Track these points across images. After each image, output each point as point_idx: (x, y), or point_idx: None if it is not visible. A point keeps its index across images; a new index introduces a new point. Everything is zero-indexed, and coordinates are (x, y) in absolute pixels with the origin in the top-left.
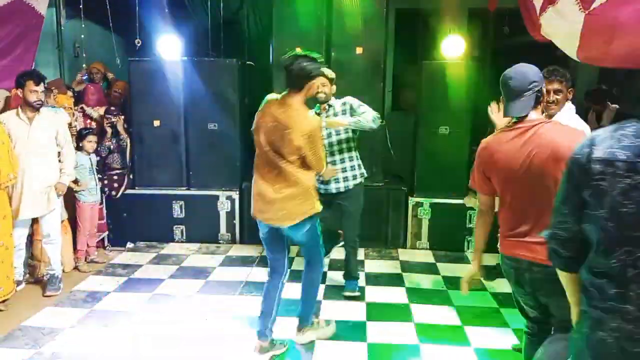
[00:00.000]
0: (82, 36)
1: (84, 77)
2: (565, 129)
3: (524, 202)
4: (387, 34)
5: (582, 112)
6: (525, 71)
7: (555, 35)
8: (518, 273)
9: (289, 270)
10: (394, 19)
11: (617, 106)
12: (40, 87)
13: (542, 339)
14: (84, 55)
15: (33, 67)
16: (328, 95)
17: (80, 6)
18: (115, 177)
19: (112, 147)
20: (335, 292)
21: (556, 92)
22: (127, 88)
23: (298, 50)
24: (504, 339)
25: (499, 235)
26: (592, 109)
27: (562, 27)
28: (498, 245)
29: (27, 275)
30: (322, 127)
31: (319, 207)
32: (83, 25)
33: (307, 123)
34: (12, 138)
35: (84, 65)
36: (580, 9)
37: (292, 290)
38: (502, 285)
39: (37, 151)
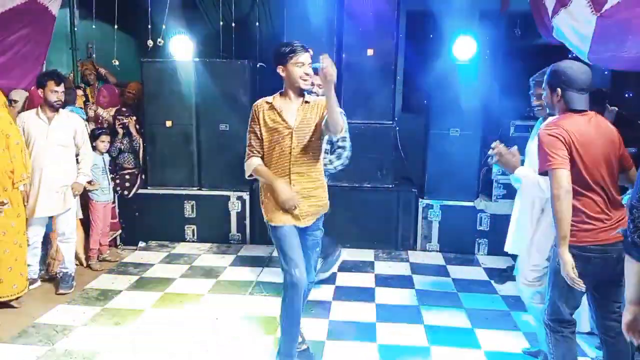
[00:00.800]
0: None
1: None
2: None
3: (606, 183)
4: (397, 36)
5: None
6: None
7: (567, 37)
8: (607, 258)
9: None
10: (405, 20)
11: (615, 108)
12: (61, 87)
13: None
14: (94, 55)
15: (44, 67)
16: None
17: (93, 6)
18: (128, 177)
19: (122, 147)
20: (345, 292)
21: (540, 97)
22: (140, 89)
23: None
24: (515, 342)
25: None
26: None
27: (574, 29)
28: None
29: (43, 272)
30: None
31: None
32: (94, 27)
33: None
34: (31, 137)
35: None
36: (592, 11)
37: None
38: (513, 289)
39: (55, 151)
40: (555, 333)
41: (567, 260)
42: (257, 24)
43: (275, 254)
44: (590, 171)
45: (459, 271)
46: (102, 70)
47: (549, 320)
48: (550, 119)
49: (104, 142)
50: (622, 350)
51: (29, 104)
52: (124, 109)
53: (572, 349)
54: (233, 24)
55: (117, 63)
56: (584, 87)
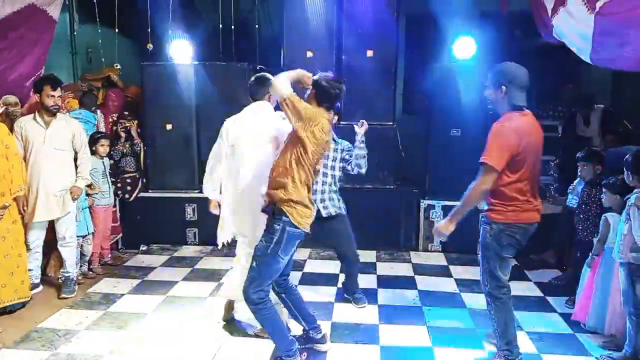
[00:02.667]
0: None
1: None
2: None
3: (536, 175)
4: (397, 37)
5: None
6: None
7: (567, 36)
8: (527, 233)
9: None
10: (405, 21)
11: (602, 106)
12: (57, 92)
13: None
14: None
15: (43, 71)
16: None
17: (96, 10)
18: (129, 181)
19: (125, 151)
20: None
21: None
22: (140, 93)
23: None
24: (518, 342)
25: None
26: (580, 113)
27: (573, 29)
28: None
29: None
30: None
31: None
32: (99, 30)
33: None
34: (29, 142)
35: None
36: (588, 9)
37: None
38: (515, 289)
39: (52, 155)
40: (497, 300)
41: (449, 230)
42: (257, 26)
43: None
44: (525, 164)
45: (461, 271)
46: (115, 77)
47: (490, 290)
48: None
49: (103, 145)
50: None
51: (28, 109)
52: (125, 113)
53: (510, 309)
54: (232, 27)
55: (119, 67)
56: (524, 85)
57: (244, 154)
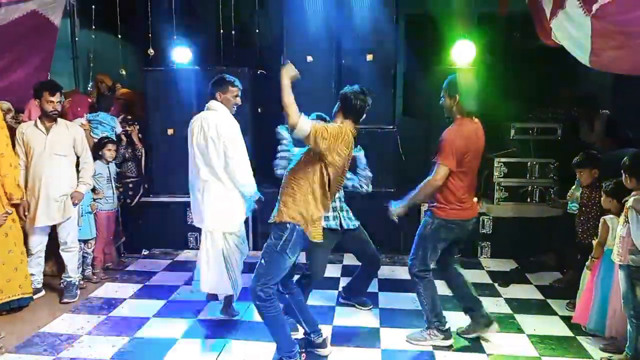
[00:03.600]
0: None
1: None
2: None
3: (475, 177)
4: (397, 40)
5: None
6: None
7: (566, 39)
8: (465, 228)
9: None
10: (404, 25)
11: (607, 112)
12: (56, 97)
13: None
14: (92, 64)
15: (49, 77)
16: None
17: (93, 17)
18: (131, 185)
19: (127, 155)
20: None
21: None
22: (130, 94)
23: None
24: (519, 345)
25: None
26: (584, 117)
27: (572, 32)
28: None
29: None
30: None
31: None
32: (93, 37)
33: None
34: (30, 147)
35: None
36: (585, 12)
37: None
38: (515, 292)
39: (53, 160)
40: (423, 279)
41: (401, 214)
42: (257, 31)
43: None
44: (467, 167)
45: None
46: (118, 85)
47: (418, 272)
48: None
49: (110, 150)
50: (453, 275)
51: (28, 115)
52: (128, 117)
53: (434, 286)
54: (233, 32)
55: (124, 72)
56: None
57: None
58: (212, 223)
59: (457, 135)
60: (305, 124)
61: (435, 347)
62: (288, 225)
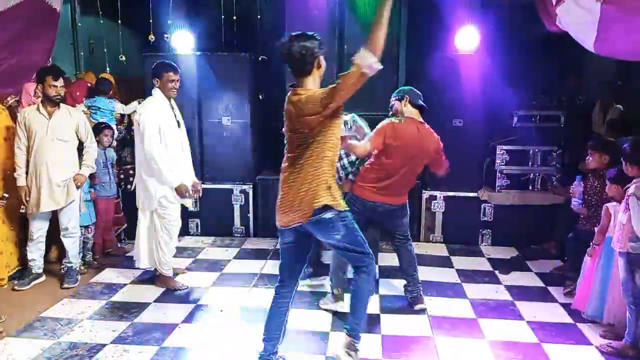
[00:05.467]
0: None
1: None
2: None
3: (404, 178)
4: (400, 27)
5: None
6: None
7: (571, 25)
8: (369, 210)
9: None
10: (407, 11)
11: (620, 107)
12: (59, 82)
13: None
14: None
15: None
16: None
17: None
18: (131, 172)
19: (126, 141)
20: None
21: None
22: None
23: None
24: (518, 331)
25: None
26: (601, 104)
27: (579, 18)
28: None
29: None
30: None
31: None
32: (101, 21)
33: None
34: (32, 132)
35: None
36: None
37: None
38: (516, 280)
39: (55, 145)
40: None
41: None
42: (259, 17)
43: (279, 245)
44: (395, 159)
45: (462, 262)
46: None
47: None
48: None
49: (107, 136)
50: (406, 253)
51: (24, 98)
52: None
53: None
54: (234, 17)
55: (124, 58)
56: (419, 101)
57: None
58: (138, 201)
59: (389, 126)
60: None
61: (435, 332)
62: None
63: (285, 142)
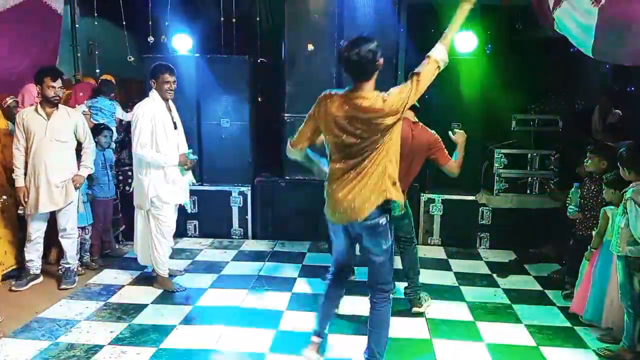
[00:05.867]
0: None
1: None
2: None
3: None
4: (399, 30)
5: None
6: None
7: (569, 29)
8: None
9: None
10: (406, 14)
11: (619, 112)
12: (58, 83)
13: None
14: (97, 52)
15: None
16: None
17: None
18: (129, 173)
19: (125, 142)
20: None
21: None
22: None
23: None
24: (516, 335)
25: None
26: (601, 107)
27: (576, 21)
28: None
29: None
30: None
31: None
32: (95, 23)
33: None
34: (31, 133)
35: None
36: (592, 2)
37: None
38: (514, 283)
39: (54, 146)
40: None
41: None
42: (258, 19)
43: (277, 247)
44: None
45: (460, 265)
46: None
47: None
48: None
49: (106, 137)
50: (409, 256)
51: (22, 99)
52: (129, 104)
53: None
54: (234, 20)
55: (132, 59)
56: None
57: None
58: (135, 199)
59: None
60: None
61: (433, 335)
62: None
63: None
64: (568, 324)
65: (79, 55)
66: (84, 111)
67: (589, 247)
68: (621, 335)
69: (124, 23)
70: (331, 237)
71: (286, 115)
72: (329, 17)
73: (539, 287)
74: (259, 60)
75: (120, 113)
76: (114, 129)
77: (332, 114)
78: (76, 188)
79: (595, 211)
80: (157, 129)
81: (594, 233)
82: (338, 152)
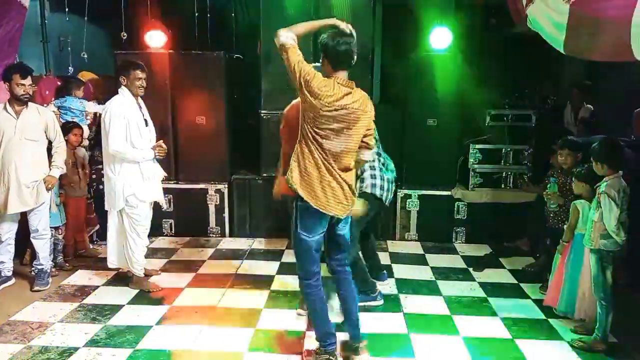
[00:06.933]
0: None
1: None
2: None
3: None
4: (374, 27)
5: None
6: None
7: (542, 26)
8: None
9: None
10: (381, 11)
11: (591, 107)
12: (28, 81)
13: None
14: (69, 48)
15: (17, 60)
16: None
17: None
18: (103, 171)
19: (98, 140)
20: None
21: None
22: (100, 80)
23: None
24: (492, 328)
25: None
26: (572, 104)
27: (549, 18)
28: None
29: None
30: None
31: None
32: (66, 19)
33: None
34: (0, 132)
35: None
36: (565, 0)
37: None
38: (489, 277)
39: (24, 146)
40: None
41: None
42: (233, 14)
43: (255, 245)
44: None
45: (437, 259)
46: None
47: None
48: None
49: (76, 135)
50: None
51: None
52: (101, 101)
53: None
54: (208, 15)
55: (85, 56)
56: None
57: None
58: (106, 202)
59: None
60: (284, 36)
61: (411, 330)
62: (293, 203)
63: (319, 143)
64: (543, 317)
65: (48, 51)
66: (53, 111)
67: (560, 241)
68: (594, 327)
69: (96, 18)
70: (305, 233)
71: (262, 111)
72: (304, 12)
73: (514, 281)
74: (234, 57)
75: (94, 107)
76: (85, 127)
77: (345, 106)
78: (48, 189)
79: (566, 205)
80: (130, 126)
81: (564, 227)
82: (326, 149)
